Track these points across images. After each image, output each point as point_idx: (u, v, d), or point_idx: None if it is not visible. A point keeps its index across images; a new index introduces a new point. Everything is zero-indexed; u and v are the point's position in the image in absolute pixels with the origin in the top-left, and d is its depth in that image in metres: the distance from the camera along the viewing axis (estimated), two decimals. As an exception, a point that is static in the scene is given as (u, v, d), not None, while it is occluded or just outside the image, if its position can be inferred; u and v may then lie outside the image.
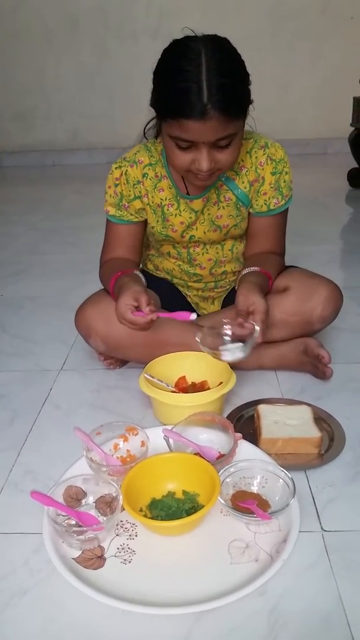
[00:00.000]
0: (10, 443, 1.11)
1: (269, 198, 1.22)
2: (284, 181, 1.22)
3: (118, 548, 0.84)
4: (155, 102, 1.06)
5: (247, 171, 1.20)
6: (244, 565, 0.80)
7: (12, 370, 1.40)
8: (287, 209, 1.26)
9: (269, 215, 1.24)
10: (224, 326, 1.11)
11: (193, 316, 1.06)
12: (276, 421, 1.08)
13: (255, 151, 1.19)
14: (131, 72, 4.02)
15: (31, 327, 1.64)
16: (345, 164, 3.22)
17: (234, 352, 1.06)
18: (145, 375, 1.14)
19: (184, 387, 1.19)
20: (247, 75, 1.03)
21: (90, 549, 0.84)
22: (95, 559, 0.83)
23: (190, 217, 1.23)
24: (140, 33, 3.97)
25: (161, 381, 1.15)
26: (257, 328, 1.06)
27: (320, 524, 0.88)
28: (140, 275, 1.21)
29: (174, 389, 1.17)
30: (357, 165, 3.11)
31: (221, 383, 1.13)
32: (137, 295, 1.07)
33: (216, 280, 1.36)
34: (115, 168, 1.22)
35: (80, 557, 0.83)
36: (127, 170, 1.21)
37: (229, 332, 1.10)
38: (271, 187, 1.21)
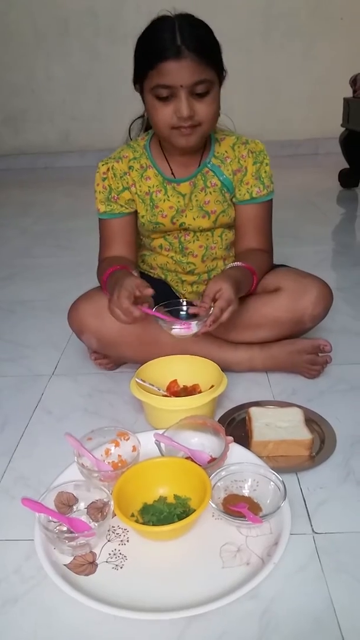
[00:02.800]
0: (1, 449, 1.11)
1: (251, 187, 1.26)
2: (265, 172, 1.27)
3: (110, 554, 0.84)
4: (135, 68, 1.14)
5: (231, 161, 1.26)
6: (235, 569, 0.81)
7: (3, 375, 1.40)
8: (270, 202, 1.30)
9: (252, 203, 1.28)
10: (183, 305, 1.17)
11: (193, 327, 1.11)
12: (267, 424, 1.08)
13: (238, 146, 1.27)
14: (122, 73, 3.98)
15: (23, 331, 1.64)
16: (336, 165, 3.24)
17: (183, 327, 1.10)
18: (137, 380, 1.14)
19: (176, 390, 1.19)
20: (217, 41, 1.12)
21: (82, 555, 0.84)
22: (87, 564, 0.83)
23: (179, 202, 1.27)
24: (130, 35, 3.91)
25: (152, 385, 1.15)
26: (211, 310, 1.08)
27: (312, 526, 0.89)
28: (137, 273, 1.21)
29: (165, 393, 1.17)
30: (348, 166, 3.12)
31: (212, 386, 1.13)
32: (142, 288, 1.07)
33: (209, 270, 1.37)
34: (102, 165, 1.28)
35: (72, 563, 0.83)
36: (113, 165, 1.27)
37: (184, 309, 1.17)
38: (253, 177, 1.26)
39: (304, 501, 0.94)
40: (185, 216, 1.28)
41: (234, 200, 1.29)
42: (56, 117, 4.24)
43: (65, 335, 1.50)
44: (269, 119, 4.15)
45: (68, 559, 0.83)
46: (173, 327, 1.10)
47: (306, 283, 1.26)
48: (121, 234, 1.30)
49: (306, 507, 0.92)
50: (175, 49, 1.06)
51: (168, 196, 1.27)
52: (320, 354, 1.26)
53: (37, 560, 0.83)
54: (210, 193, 1.27)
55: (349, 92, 3.00)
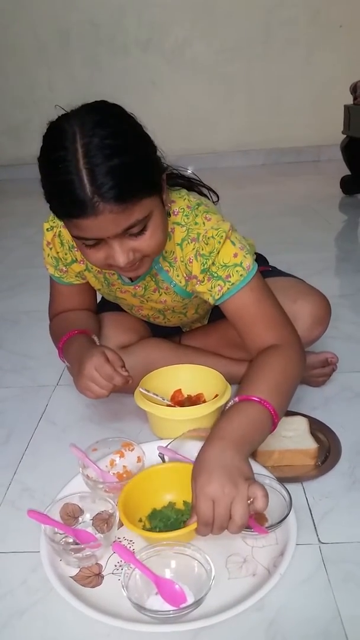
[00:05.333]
0: (6, 460, 1.11)
1: (210, 290, 1.02)
2: (218, 267, 1.00)
3: (115, 565, 0.84)
4: (46, 199, 0.88)
5: (178, 265, 1.05)
6: (241, 580, 0.80)
7: (7, 386, 1.40)
8: (253, 282, 1.01)
9: (228, 298, 1.01)
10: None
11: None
12: (272, 433, 1.08)
13: (187, 244, 1.02)
14: (123, 83, 4.05)
15: (27, 342, 1.64)
16: (338, 171, 3.24)
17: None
18: (141, 390, 1.14)
19: (180, 400, 1.19)
20: (145, 144, 0.88)
21: (88, 567, 0.84)
22: (93, 576, 0.83)
23: (134, 294, 1.14)
24: (131, 45, 4.00)
25: (157, 395, 1.15)
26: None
27: (317, 536, 0.88)
28: (97, 340, 1.12)
29: (169, 403, 1.17)
30: (349, 173, 3.13)
31: (217, 395, 1.13)
32: (110, 354, 1.01)
33: (192, 321, 1.33)
34: (47, 230, 1.11)
35: (78, 575, 0.83)
36: (60, 231, 1.09)
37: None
38: (205, 283, 1.03)
39: (310, 511, 0.93)
40: (147, 300, 1.15)
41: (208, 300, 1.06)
42: (58, 127, 4.26)
43: (69, 346, 1.51)
44: (270, 126, 4.17)
45: (74, 571, 0.83)
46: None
47: (297, 309, 1.14)
48: (72, 298, 1.20)
49: (312, 517, 0.92)
50: (88, 205, 0.80)
51: (123, 280, 1.11)
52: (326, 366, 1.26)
53: (43, 572, 0.83)
54: (165, 294, 1.11)
55: (349, 99, 3.01)
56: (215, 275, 1.00)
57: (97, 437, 1.05)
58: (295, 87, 4.09)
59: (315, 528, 0.90)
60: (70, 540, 0.86)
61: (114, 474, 0.99)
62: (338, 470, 1.02)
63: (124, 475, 0.98)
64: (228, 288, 1.00)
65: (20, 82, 4.16)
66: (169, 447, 1.00)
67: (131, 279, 1.10)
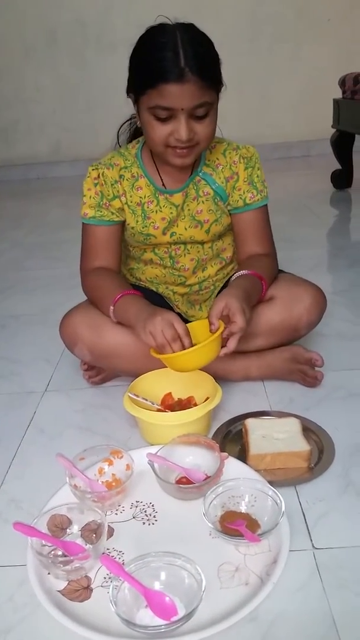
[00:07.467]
0: (-7, 470, 1.09)
1: (244, 192, 1.24)
2: (257, 176, 1.25)
3: (105, 577, 0.82)
4: (134, 81, 1.09)
5: (222, 168, 1.24)
6: (233, 590, 0.78)
7: (-5, 393, 1.38)
8: (265, 207, 1.28)
9: (248, 210, 1.26)
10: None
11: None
12: (264, 435, 1.06)
13: (229, 152, 1.24)
14: (111, 82, 3.99)
15: (15, 347, 1.62)
16: (328, 166, 3.22)
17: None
18: (130, 395, 1.12)
19: (170, 404, 1.17)
20: (217, 54, 1.09)
21: (76, 580, 0.81)
22: (81, 590, 0.80)
23: (172, 213, 1.24)
24: (119, 43, 3.96)
25: (146, 399, 1.13)
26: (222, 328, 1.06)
27: (311, 541, 0.86)
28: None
29: (159, 407, 1.15)
30: (340, 167, 3.11)
31: (207, 398, 1.11)
32: (179, 322, 1.06)
33: (200, 281, 1.34)
34: (92, 169, 1.25)
35: (66, 589, 0.80)
36: (104, 171, 1.23)
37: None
38: (245, 182, 1.24)
39: (303, 515, 0.91)
40: (177, 226, 1.25)
41: (228, 208, 1.26)
42: (47, 127, 4.23)
43: (58, 349, 1.48)
44: (259, 122, 4.14)
45: (62, 584, 0.81)
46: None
47: (299, 291, 1.25)
48: (107, 242, 1.27)
49: (305, 522, 0.90)
50: (179, 71, 1.01)
51: (160, 207, 1.24)
52: (315, 368, 1.25)
53: (30, 587, 0.80)
54: (203, 202, 1.24)
55: (338, 93, 2.99)
56: (254, 184, 1.25)
57: (86, 444, 1.03)
58: (284, 82, 4.06)
59: (309, 533, 0.88)
60: (59, 552, 0.84)
61: (102, 482, 0.97)
62: (332, 473, 1.00)
63: (113, 484, 0.96)
64: (258, 199, 1.26)
65: (6, 82, 4.11)
66: (159, 453, 0.97)
67: (168, 191, 1.23)
